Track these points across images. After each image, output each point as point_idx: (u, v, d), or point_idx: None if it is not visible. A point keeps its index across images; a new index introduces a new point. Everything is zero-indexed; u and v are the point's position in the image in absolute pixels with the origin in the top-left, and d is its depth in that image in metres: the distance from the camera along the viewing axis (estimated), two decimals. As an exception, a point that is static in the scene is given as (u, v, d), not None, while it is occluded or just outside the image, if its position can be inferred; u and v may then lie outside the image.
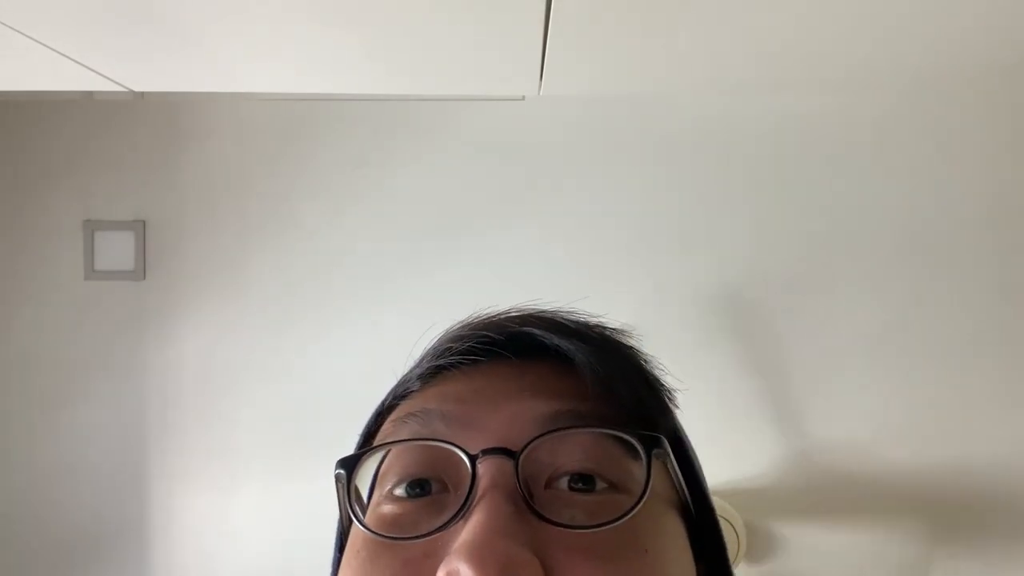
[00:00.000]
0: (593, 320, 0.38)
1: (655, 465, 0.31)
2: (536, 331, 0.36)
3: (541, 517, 0.29)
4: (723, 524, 1.50)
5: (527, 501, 0.29)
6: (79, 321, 1.65)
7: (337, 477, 0.34)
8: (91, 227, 1.64)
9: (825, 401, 1.55)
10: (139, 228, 1.63)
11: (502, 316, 0.38)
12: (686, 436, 0.39)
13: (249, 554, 1.65)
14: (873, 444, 1.54)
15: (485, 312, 0.38)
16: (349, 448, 0.39)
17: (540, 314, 0.38)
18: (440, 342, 0.38)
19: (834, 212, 1.56)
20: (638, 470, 0.31)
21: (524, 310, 0.38)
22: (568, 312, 0.38)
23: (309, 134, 1.62)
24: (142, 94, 1.55)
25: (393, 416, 0.37)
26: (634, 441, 0.32)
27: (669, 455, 0.33)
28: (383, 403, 0.40)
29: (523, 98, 1.53)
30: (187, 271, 1.64)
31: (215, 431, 1.64)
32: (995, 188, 1.53)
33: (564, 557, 0.28)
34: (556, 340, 0.35)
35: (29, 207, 1.65)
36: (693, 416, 0.42)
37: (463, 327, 0.38)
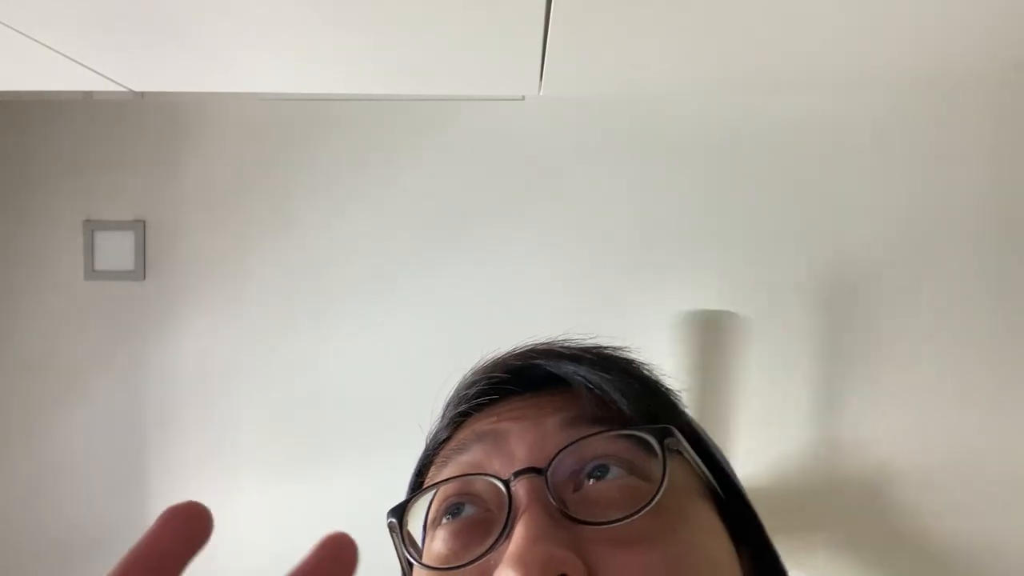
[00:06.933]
0: (589, 342, 0.42)
1: (671, 456, 0.35)
2: (540, 362, 0.40)
3: (574, 520, 0.32)
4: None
5: (560, 509, 0.33)
6: (79, 321, 1.65)
7: (390, 526, 0.38)
8: (91, 227, 1.64)
9: (830, 401, 1.55)
10: (139, 228, 1.63)
11: (506, 356, 0.42)
12: (703, 431, 0.41)
13: (249, 554, 1.64)
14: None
15: (490, 355, 0.43)
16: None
17: (539, 347, 0.42)
18: (456, 392, 0.43)
19: (833, 212, 1.56)
20: (656, 464, 0.34)
21: (524, 346, 0.42)
22: (564, 340, 0.42)
23: (309, 134, 1.62)
24: (142, 94, 1.55)
25: (434, 464, 0.41)
26: (645, 435, 0.35)
27: (683, 444, 0.36)
28: (420, 461, 0.44)
29: (523, 98, 1.53)
30: (187, 271, 1.64)
31: (214, 431, 1.64)
32: (995, 188, 1.53)
33: (603, 550, 0.31)
34: (557, 367, 0.40)
35: (29, 207, 1.65)
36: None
37: (474, 373, 0.43)
